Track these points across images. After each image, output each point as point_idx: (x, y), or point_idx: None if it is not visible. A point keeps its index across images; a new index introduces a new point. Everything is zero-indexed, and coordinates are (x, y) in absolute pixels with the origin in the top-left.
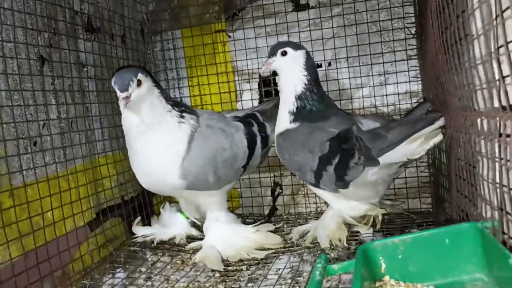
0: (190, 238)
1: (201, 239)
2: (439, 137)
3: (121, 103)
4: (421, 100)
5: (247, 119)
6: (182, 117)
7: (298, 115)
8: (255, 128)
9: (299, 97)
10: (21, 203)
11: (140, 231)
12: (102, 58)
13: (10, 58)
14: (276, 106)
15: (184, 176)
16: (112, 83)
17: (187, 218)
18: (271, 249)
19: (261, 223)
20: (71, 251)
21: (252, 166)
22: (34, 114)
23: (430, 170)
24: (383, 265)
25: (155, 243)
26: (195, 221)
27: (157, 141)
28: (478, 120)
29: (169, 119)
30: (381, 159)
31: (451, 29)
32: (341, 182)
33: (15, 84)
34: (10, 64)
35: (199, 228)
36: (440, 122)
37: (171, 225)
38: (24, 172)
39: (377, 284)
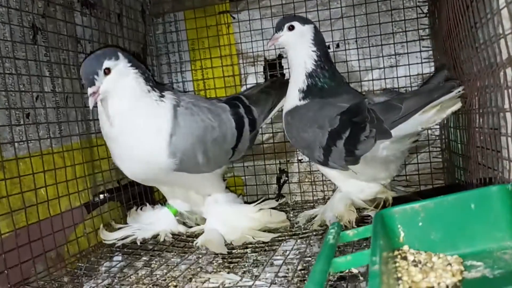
0: (177, 235)
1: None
2: (457, 105)
3: (90, 101)
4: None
5: (232, 101)
6: (162, 96)
7: (308, 92)
8: (241, 110)
9: (309, 75)
10: (12, 176)
11: (114, 235)
12: (100, 34)
13: (2, 24)
14: (262, 92)
15: (173, 153)
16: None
17: (176, 213)
18: (278, 230)
19: (262, 200)
20: (66, 232)
21: (241, 150)
22: (27, 85)
23: (443, 155)
24: (402, 233)
25: (138, 243)
26: (185, 213)
27: (138, 123)
28: (501, 73)
29: (148, 100)
30: (394, 131)
31: None
32: (351, 157)
33: (7, 51)
34: (2, 30)
35: (188, 225)
36: (459, 89)
37: (154, 222)
38: (16, 144)
39: (396, 253)
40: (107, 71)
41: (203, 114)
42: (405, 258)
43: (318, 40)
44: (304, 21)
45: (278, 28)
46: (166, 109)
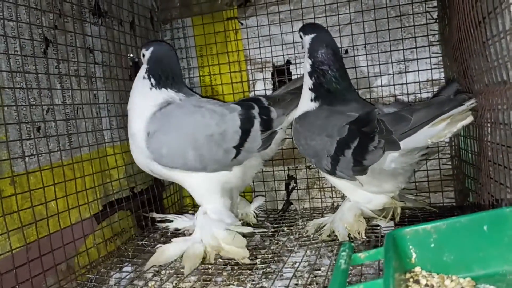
0: None
1: None
2: (468, 119)
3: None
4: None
5: (248, 102)
6: (155, 87)
7: (317, 91)
8: (255, 111)
9: (311, 74)
10: (23, 191)
11: (160, 215)
12: (110, 44)
13: (12, 38)
14: (289, 93)
15: (151, 146)
16: None
17: None
18: (226, 258)
19: (242, 225)
20: (76, 244)
21: (249, 149)
22: (38, 98)
23: (453, 162)
24: (414, 255)
25: (169, 231)
26: None
27: (132, 102)
28: None
29: (140, 84)
30: (403, 143)
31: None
32: (359, 167)
33: (17, 65)
34: (12, 44)
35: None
36: (470, 103)
37: (194, 217)
38: (26, 158)
39: (407, 275)
40: (143, 55)
41: (199, 113)
42: (417, 282)
43: (312, 49)
44: (308, 31)
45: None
46: (156, 101)
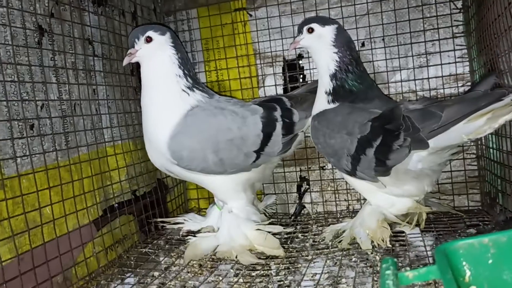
0: None
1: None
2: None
3: (124, 59)
4: (478, 80)
5: (270, 103)
6: (190, 88)
7: (336, 94)
8: (277, 113)
9: (334, 76)
10: (15, 196)
11: (168, 219)
12: (110, 35)
13: (2, 26)
14: (311, 91)
15: (172, 149)
16: None
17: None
18: (263, 257)
19: (270, 223)
20: (73, 253)
21: (270, 153)
22: (31, 93)
23: (479, 162)
24: (468, 272)
25: (181, 233)
26: None
27: (155, 104)
28: None
29: (174, 84)
30: (432, 142)
31: None
32: (382, 167)
33: (8, 56)
34: (2, 33)
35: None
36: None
37: (205, 218)
38: (18, 159)
39: None
40: (149, 39)
41: (222, 115)
42: None
43: (341, 41)
44: (325, 22)
45: (299, 31)
46: (184, 103)
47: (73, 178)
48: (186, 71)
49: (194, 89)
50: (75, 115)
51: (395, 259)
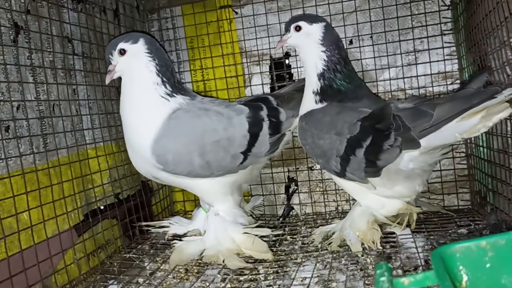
0: None
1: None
2: (506, 112)
3: (106, 77)
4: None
5: (255, 103)
6: (169, 95)
7: (324, 94)
8: (263, 113)
9: (321, 75)
10: None
11: (153, 222)
12: (91, 33)
13: None
14: (298, 90)
15: (157, 154)
16: None
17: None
18: (251, 261)
19: (257, 226)
20: (53, 260)
21: (257, 154)
22: (6, 93)
23: (468, 161)
24: (465, 277)
25: (166, 237)
26: None
27: (135, 112)
28: None
29: (152, 92)
30: (424, 141)
31: None
32: (372, 168)
33: None
34: None
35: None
36: (510, 92)
37: (191, 221)
38: None
39: None
40: (123, 52)
41: (206, 116)
42: None
43: (329, 40)
44: (313, 20)
45: (286, 29)
46: (164, 109)
47: (52, 182)
48: (165, 78)
49: (174, 94)
50: (54, 116)
51: (390, 265)
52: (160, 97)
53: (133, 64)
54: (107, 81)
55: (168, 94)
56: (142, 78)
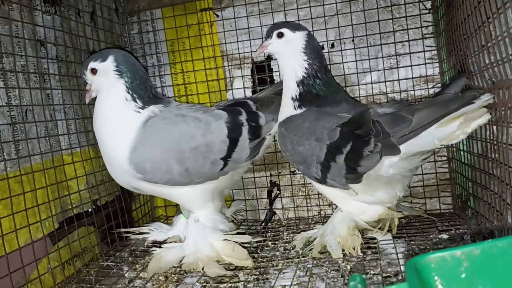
0: None
1: None
2: (485, 117)
3: (86, 97)
4: (445, 82)
5: (234, 108)
6: (141, 108)
7: (302, 100)
8: (242, 117)
9: (301, 82)
10: None
11: (132, 229)
12: (66, 36)
13: None
14: (277, 93)
15: (134, 163)
16: None
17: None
18: (231, 268)
19: (238, 233)
20: (26, 270)
21: (237, 160)
22: None
23: (450, 165)
24: None
25: (146, 243)
26: None
27: (108, 126)
28: None
29: (124, 107)
30: (405, 147)
31: None
32: (353, 174)
33: None
34: None
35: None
36: (487, 98)
37: (172, 227)
38: None
39: None
40: (94, 71)
41: (184, 123)
42: None
43: (311, 48)
44: (296, 27)
45: (268, 35)
46: (138, 119)
47: (24, 189)
48: (135, 95)
49: (146, 106)
50: (27, 121)
51: (364, 276)
52: (132, 111)
53: (103, 82)
54: (87, 100)
55: (140, 108)
56: (112, 95)
